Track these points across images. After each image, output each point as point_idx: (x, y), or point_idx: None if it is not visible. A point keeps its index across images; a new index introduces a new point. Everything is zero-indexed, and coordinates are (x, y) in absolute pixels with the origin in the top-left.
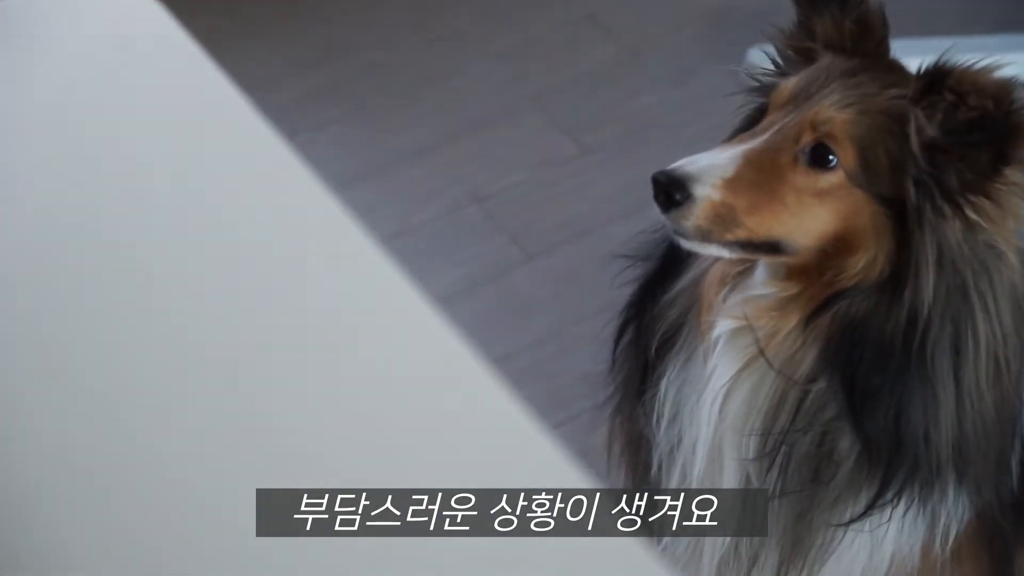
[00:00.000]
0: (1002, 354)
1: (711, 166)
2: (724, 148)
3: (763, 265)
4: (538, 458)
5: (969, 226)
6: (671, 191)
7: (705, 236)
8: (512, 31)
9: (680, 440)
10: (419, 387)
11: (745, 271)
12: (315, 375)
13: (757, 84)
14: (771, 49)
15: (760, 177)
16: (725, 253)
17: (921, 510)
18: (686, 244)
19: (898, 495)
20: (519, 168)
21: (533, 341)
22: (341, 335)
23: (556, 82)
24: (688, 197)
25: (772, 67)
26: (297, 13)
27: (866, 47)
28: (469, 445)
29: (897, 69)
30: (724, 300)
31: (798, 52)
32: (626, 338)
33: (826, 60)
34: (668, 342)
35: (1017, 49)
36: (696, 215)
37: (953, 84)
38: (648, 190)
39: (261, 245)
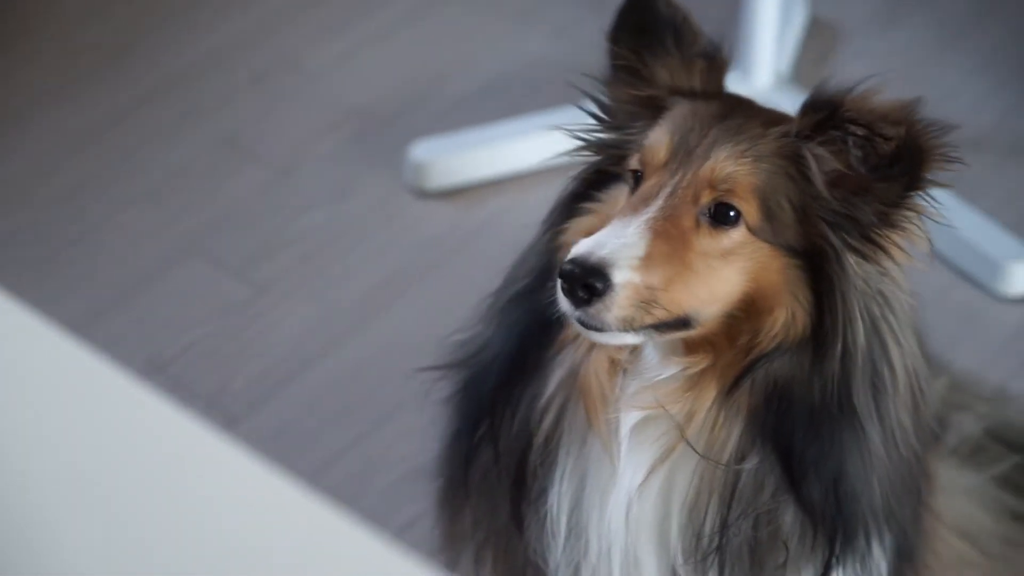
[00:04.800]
0: (916, 383)
1: (623, 246)
2: (620, 222)
3: (655, 344)
4: None
5: (871, 260)
6: (589, 282)
7: (627, 325)
8: (151, 167)
9: (586, 554)
10: None
11: (635, 354)
12: None
13: (584, 142)
14: (590, 104)
15: (669, 248)
16: (639, 340)
17: (858, 565)
18: (601, 338)
19: (840, 559)
20: (195, 323)
21: None
22: None
23: (209, 216)
24: (608, 285)
25: (597, 122)
26: None
27: (715, 85)
28: None
29: (757, 105)
30: (622, 390)
31: (638, 102)
32: (479, 462)
33: (684, 106)
34: (547, 453)
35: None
36: (619, 304)
37: (854, 116)
38: (330, 320)
39: None
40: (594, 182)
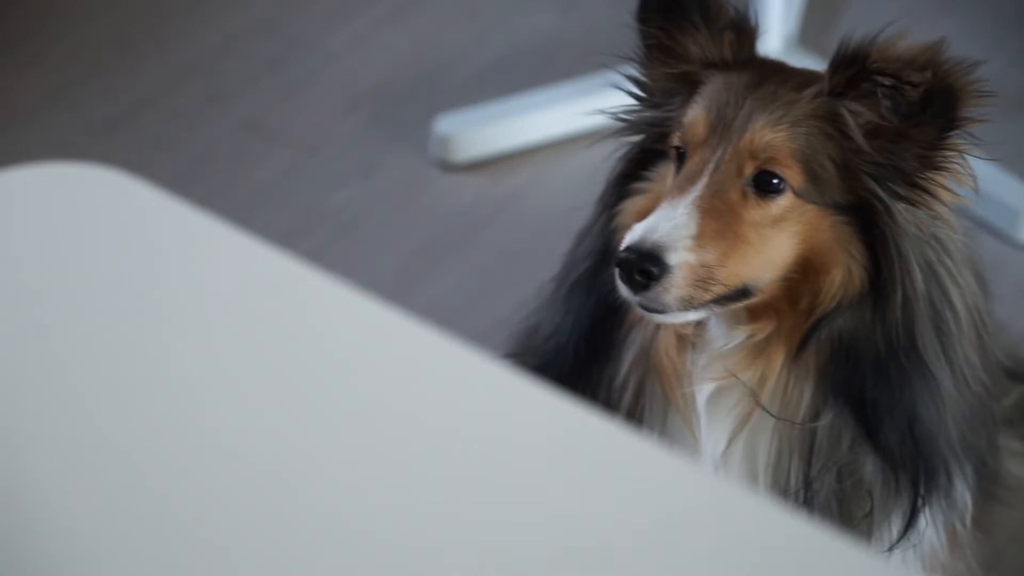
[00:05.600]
0: (978, 319)
1: (675, 228)
2: (669, 204)
3: (719, 316)
4: None
5: (920, 205)
6: (646, 267)
7: (687, 304)
8: (176, 154)
9: None
10: None
11: (702, 327)
12: None
13: (626, 123)
14: (627, 85)
15: (720, 224)
16: (701, 316)
17: (943, 501)
18: (664, 319)
19: (926, 498)
20: None
21: None
22: None
23: (238, 200)
24: (665, 269)
25: (636, 102)
26: None
27: (746, 54)
28: None
29: (788, 68)
30: (693, 364)
31: (673, 79)
32: None
33: (717, 80)
34: (631, 426)
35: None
36: (677, 285)
37: (881, 66)
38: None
39: None
40: (641, 161)
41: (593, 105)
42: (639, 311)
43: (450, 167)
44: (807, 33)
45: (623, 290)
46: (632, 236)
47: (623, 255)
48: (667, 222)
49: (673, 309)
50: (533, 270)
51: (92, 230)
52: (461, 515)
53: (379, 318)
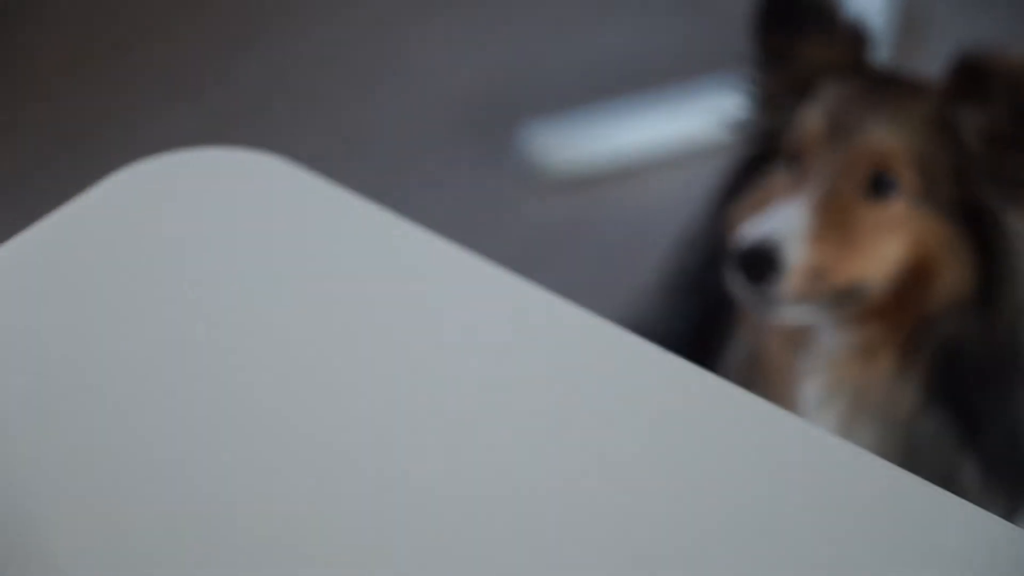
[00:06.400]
0: None
1: (789, 225)
2: (784, 204)
3: (827, 317)
4: None
5: None
6: (760, 261)
7: (801, 299)
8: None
9: None
10: None
11: (809, 328)
12: None
13: (745, 132)
14: (743, 97)
15: (834, 223)
16: (814, 314)
17: None
18: (780, 313)
19: (1022, 510)
20: None
21: None
22: None
23: None
24: (781, 264)
25: (754, 111)
26: None
27: (862, 59)
28: None
29: (903, 74)
30: (800, 365)
31: (789, 85)
32: None
33: (834, 84)
34: None
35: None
36: (792, 280)
37: (999, 71)
38: None
39: None
40: (752, 169)
41: (693, 114)
42: (752, 308)
43: (543, 180)
44: (902, 48)
45: (737, 284)
46: (747, 230)
47: (737, 249)
48: (782, 218)
49: (786, 305)
50: (631, 283)
51: (252, 216)
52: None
53: (547, 308)
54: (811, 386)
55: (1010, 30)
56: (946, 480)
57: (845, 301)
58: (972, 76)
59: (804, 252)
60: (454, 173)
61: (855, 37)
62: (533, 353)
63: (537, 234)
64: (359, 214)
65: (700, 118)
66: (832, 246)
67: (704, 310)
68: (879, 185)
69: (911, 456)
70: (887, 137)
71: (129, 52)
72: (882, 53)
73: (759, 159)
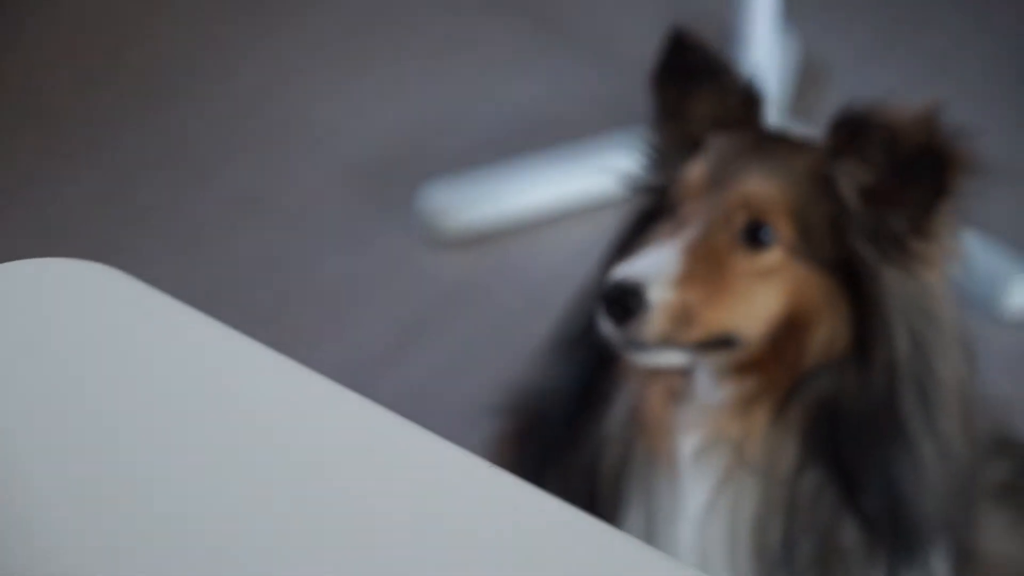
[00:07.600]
0: (963, 391)
1: (658, 266)
2: (656, 247)
3: (707, 368)
4: None
5: (909, 272)
6: (625, 299)
7: (665, 341)
8: (167, 225)
9: None
10: None
11: (688, 380)
12: None
13: (637, 188)
14: (639, 151)
15: (705, 268)
16: (681, 358)
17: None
18: (643, 356)
19: (900, 571)
20: None
21: None
22: None
23: (227, 270)
24: (644, 303)
25: (646, 167)
26: None
27: (752, 117)
28: None
29: (790, 133)
30: (679, 418)
31: (681, 141)
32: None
33: (721, 140)
34: (615, 485)
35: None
36: (655, 320)
37: (878, 126)
38: (352, 370)
39: None
40: (643, 222)
41: (589, 171)
42: (619, 349)
43: (438, 240)
44: (800, 104)
45: (604, 325)
46: (616, 271)
47: (605, 288)
48: (652, 261)
49: (650, 346)
50: (525, 341)
51: (79, 325)
52: None
53: (357, 411)
54: (689, 440)
55: (911, 81)
56: (827, 539)
57: (716, 349)
58: (851, 132)
59: (669, 293)
60: (352, 232)
61: (747, 95)
62: (365, 471)
63: (434, 294)
64: (183, 322)
65: (599, 175)
66: (701, 290)
67: (590, 365)
68: (755, 234)
69: (792, 514)
70: (764, 185)
71: None
72: (774, 111)
73: (649, 214)
